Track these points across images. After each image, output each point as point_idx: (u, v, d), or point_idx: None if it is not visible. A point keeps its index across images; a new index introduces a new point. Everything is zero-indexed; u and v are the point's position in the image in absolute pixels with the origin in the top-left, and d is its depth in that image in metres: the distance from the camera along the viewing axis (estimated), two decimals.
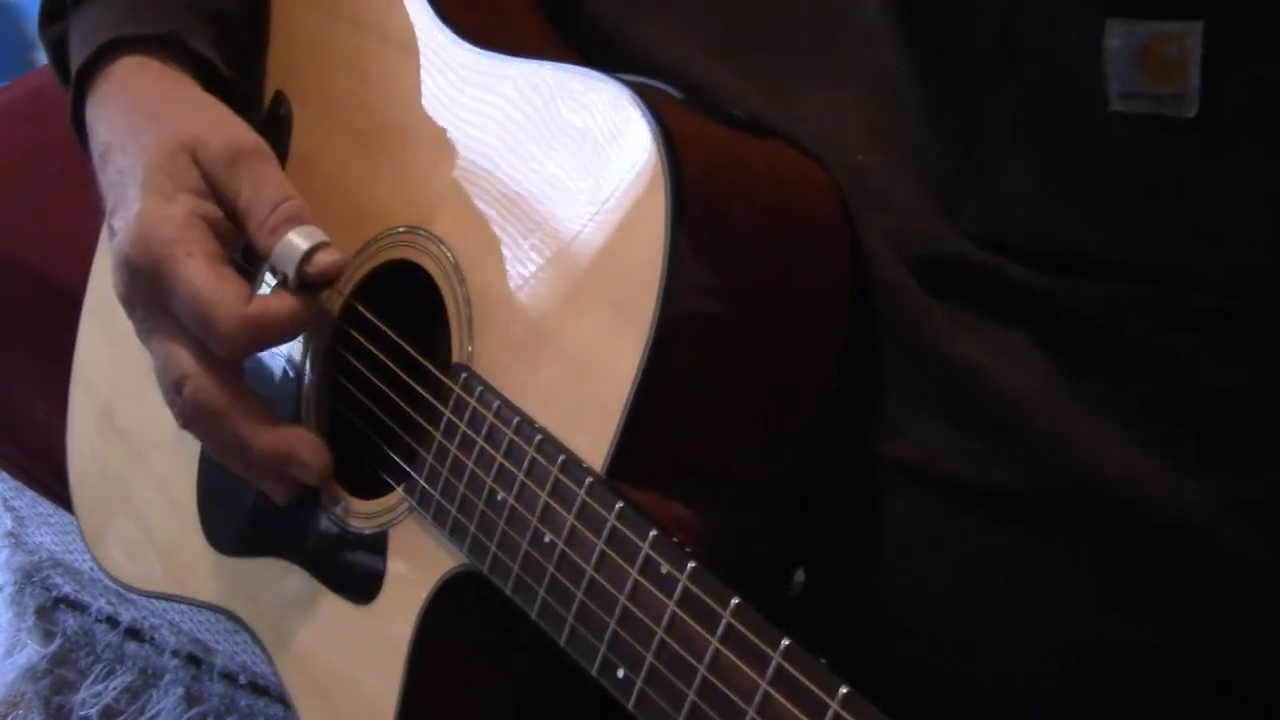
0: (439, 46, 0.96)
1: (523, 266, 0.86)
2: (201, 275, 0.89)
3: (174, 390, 0.93)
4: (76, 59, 1.00)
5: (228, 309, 0.89)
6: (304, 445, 0.94)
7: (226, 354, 0.92)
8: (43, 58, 1.12)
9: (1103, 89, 0.78)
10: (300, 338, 1.00)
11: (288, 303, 0.91)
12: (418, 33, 0.98)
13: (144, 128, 0.95)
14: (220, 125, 0.95)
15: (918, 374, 0.84)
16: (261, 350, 0.96)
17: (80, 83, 1.00)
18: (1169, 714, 0.83)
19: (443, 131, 0.94)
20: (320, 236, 0.92)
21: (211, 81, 1.01)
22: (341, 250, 0.92)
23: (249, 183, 0.93)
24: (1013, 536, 0.83)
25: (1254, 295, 0.78)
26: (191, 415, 0.93)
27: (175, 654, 1.33)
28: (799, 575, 0.88)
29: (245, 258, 1.00)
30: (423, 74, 0.97)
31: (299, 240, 0.91)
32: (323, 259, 0.91)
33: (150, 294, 0.92)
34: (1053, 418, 0.81)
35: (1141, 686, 0.83)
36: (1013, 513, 0.83)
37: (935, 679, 0.85)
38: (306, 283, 0.92)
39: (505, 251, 0.87)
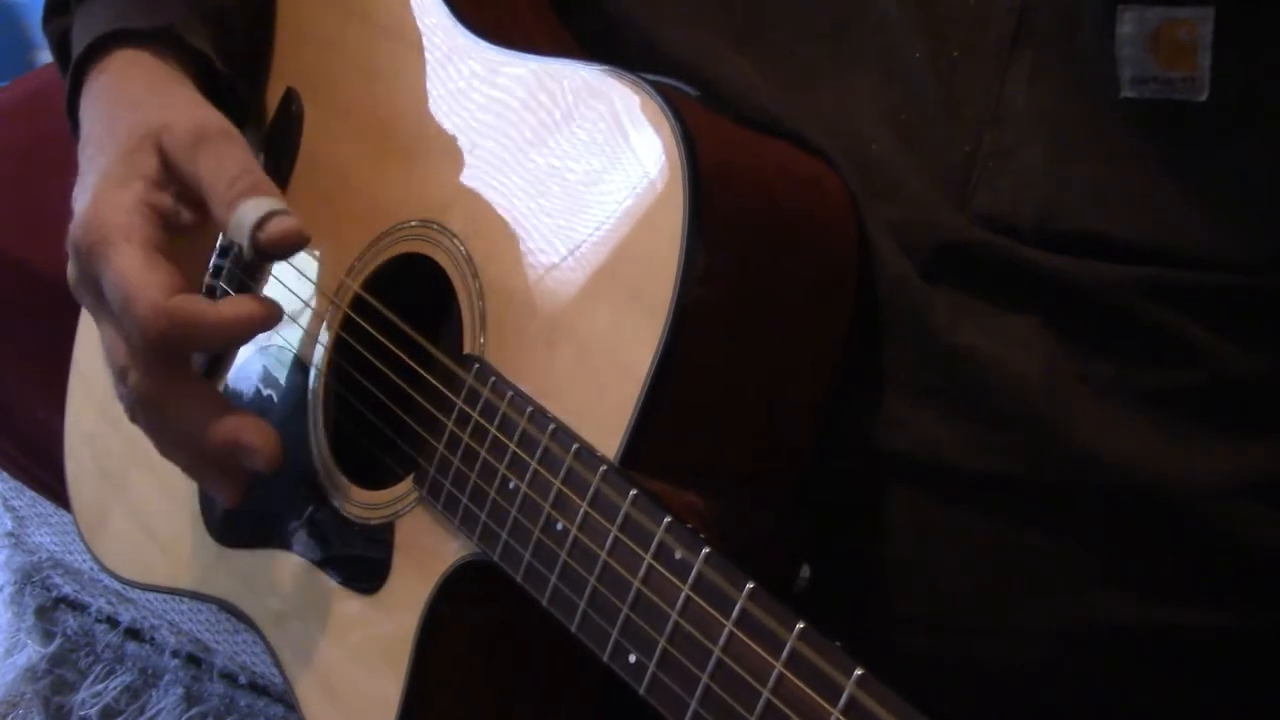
0: (453, 42, 0.97)
1: (537, 258, 0.86)
2: (130, 261, 0.88)
3: (120, 380, 0.92)
4: (76, 52, 1.01)
5: (147, 296, 0.87)
6: (249, 429, 0.91)
7: (141, 344, 0.89)
8: (43, 58, 1.12)
9: (1115, 74, 0.79)
10: (309, 329, 1.00)
11: (216, 308, 0.89)
12: (431, 28, 0.98)
13: (120, 117, 0.95)
14: (190, 111, 0.94)
15: (919, 366, 0.85)
16: (180, 348, 0.92)
17: (77, 74, 1.00)
18: (1176, 696, 0.84)
19: (456, 126, 0.94)
20: (275, 204, 0.89)
21: (207, 77, 1.02)
22: (355, 239, 0.93)
23: (210, 162, 0.91)
24: (1015, 524, 0.83)
25: (1265, 278, 0.79)
26: (137, 405, 0.92)
27: (175, 654, 1.33)
28: (804, 571, 0.89)
29: (238, 266, 1.02)
30: (436, 69, 0.97)
31: (251, 209, 0.88)
32: (275, 225, 0.88)
33: (93, 278, 0.91)
34: (1055, 403, 0.82)
35: (1148, 669, 0.84)
36: (1015, 500, 0.83)
37: (942, 668, 0.85)
38: (261, 251, 0.88)
39: (519, 244, 0.88)
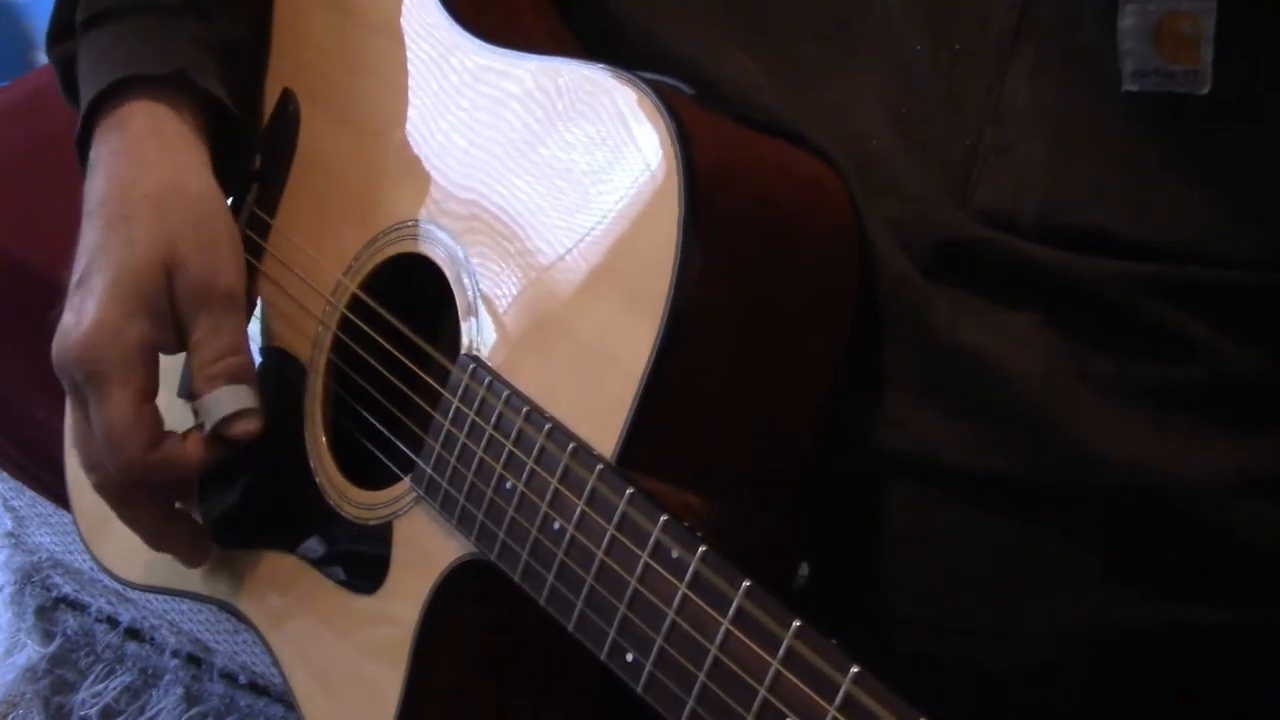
0: (451, 42, 0.97)
1: (533, 258, 0.86)
2: (124, 410, 0.93)
3: (85, 468, 0.98)
4: (86, 91, 1.01)
5: (133, 449, 0.93)
6: (187, 549, 1.03)
7: (120, 479, 0.96)
8: (43, 58, 1.12)
9: (1116, 68, 0.79)
10: (306, 330, 1.00)
11: (190, 453, 0.96)
12: (429, 28, 0.98)
13: (137, 216, 0.96)
14: (208, 247, 0.97)
15: (920, 365, 0.85)
16: (152, 486, 0.99)
17: (88, 117, 1.01)
18: (1177, 696, 0.84)
19: (453, 125, 0.94)
20: (249, 402, 0.95)
21: (218, 116, 1.02)
22: (353, 240, 0.93)
23: (207, 325, 0.95)
24: (1016, 523, 0.83)
25: (1267, 274, 0.79)
26: (96, 490, 0.98)
27: (175, 654, 1.33)
28: (804, 569, 0.89)
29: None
30: (434, 69, 0.97)
31: (226, 401, 0.95)
32: (240, 428, 0.95)
33: (77, 388, 0.95)
34: (1056, 401, 0.81)
35: (1148, 669, 0.83)
36: (1015, 500, 0.83)
37: (942, 668, 0.85)
38: (218, 438, 0.95)
39: (516, 244, 0.87)
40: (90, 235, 0.97)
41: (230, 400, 0.95)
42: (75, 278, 0.96)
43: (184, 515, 1.02)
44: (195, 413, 0.96)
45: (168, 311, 0.95)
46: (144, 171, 0.98)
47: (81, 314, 0.94)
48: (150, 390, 0.95)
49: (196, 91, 1.01)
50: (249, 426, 0.95)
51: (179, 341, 0.96)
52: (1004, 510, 0.83)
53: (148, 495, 0.99)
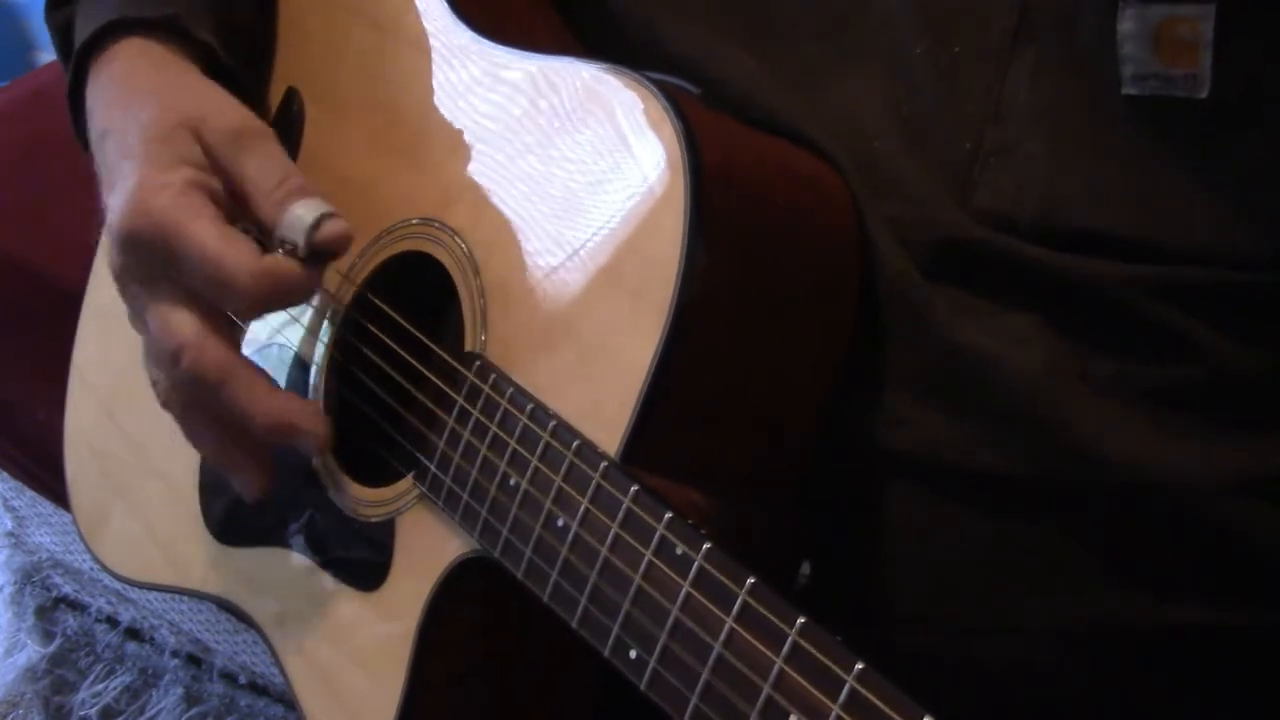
0: (455, 41, 0.97)
1: (539, 257, 0.86)
2: (212, 234, 0.88)
3: (169, 362, 0.91)
4: (80, 40, 1.00)
5: (242, 263, 0.88)
6: (307, 414, 0.93)
7: (242, 307, 0.91)
8: (43, 58, 1.12)
9: (1116, 71, 0.79)
10: (309, 327, 1.00)
11: (296, 269, 0.90)
12: (433, 28, 0.99)
13: (143, 105, 0.94)
14: (224, 107, 0.95)
15: (920, 364, 0.85)
16: (274, 308, 0.95)
17: (80, 63, 1.00)
18: (1177, 696, 0.84)
19: (459, 125, 0.94)
20: (327, 207, 0.91)
21: (212, 68, 1.01)
22: (358, 237, 0.92)
23: (254, 160, 0.92)
24: (1016, 522, 0.84)
25: (1266, 275, 0.79)
26: (187, 386, 0.92)
27: (175, 654, 1.33)
28: (805, 568, 0.89)
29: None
30: (438, 68, 0.97)
31: (305, 210, 0.90)
32: (330, 227, 0.89)
33: (150, 265, 0.90)
34: (1056, 400, 0.82)
35: (1148, 667, 0.84)
36: (1016, 499, 0.83)
37: (943, 667, 0.85)
38: (315, 251, 0.90)
39: (521, 242, 0.88)
40: (105, 157, 0.95)
41: (308, 210, 0.90)
42: (104, 193, 0.94)
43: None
44: (279, 246, 0.91)
45: (206, 163, 0.92)
46: (136, 82, 0.97)
47: (122, 196, 0.90)
48: (223, 218, 0.90)
49: (189, 39, 1.00)
50: (337, 226, 0.90)
51: (229, 195, 0.92)
52: (1004, 509, 0.84)
53: (245, 362, 0.92)
